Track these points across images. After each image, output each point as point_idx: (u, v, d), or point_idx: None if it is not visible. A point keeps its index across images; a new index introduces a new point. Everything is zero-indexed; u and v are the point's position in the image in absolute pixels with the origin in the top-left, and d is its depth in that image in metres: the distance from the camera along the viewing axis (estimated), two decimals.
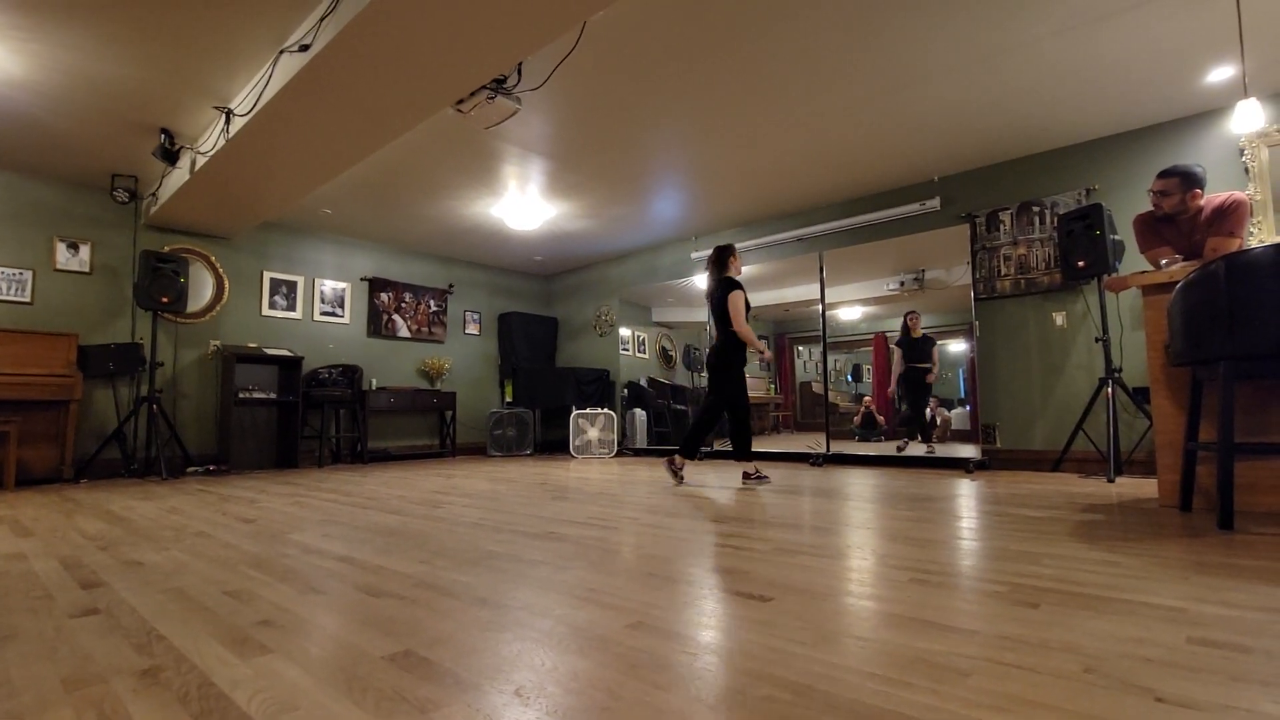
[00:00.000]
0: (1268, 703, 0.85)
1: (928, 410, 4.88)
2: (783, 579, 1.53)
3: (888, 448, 5.01)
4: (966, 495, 3.02)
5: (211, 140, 3.83)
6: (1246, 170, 3.70)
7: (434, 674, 0.99)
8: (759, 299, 5.78)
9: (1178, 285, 2.28)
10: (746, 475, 3.61)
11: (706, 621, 1.23)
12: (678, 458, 3.69)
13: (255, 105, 3.28)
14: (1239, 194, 2.63)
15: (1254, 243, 3.48)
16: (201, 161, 3.97)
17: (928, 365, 4.78)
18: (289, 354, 5.51)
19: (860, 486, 3.44)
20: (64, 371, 4.35)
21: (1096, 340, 3.90)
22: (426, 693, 0.92)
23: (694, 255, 6.44)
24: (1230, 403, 2.06)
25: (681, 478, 3.71)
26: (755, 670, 0.99)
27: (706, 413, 3.68)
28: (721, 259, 3.78)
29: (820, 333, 5.29)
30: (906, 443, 4.85)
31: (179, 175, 4.33)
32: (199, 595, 1.48)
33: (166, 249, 5.12)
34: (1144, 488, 3.21)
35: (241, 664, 1.05)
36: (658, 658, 1.05)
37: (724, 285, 3.68)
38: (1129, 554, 1.73)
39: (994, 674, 0.95)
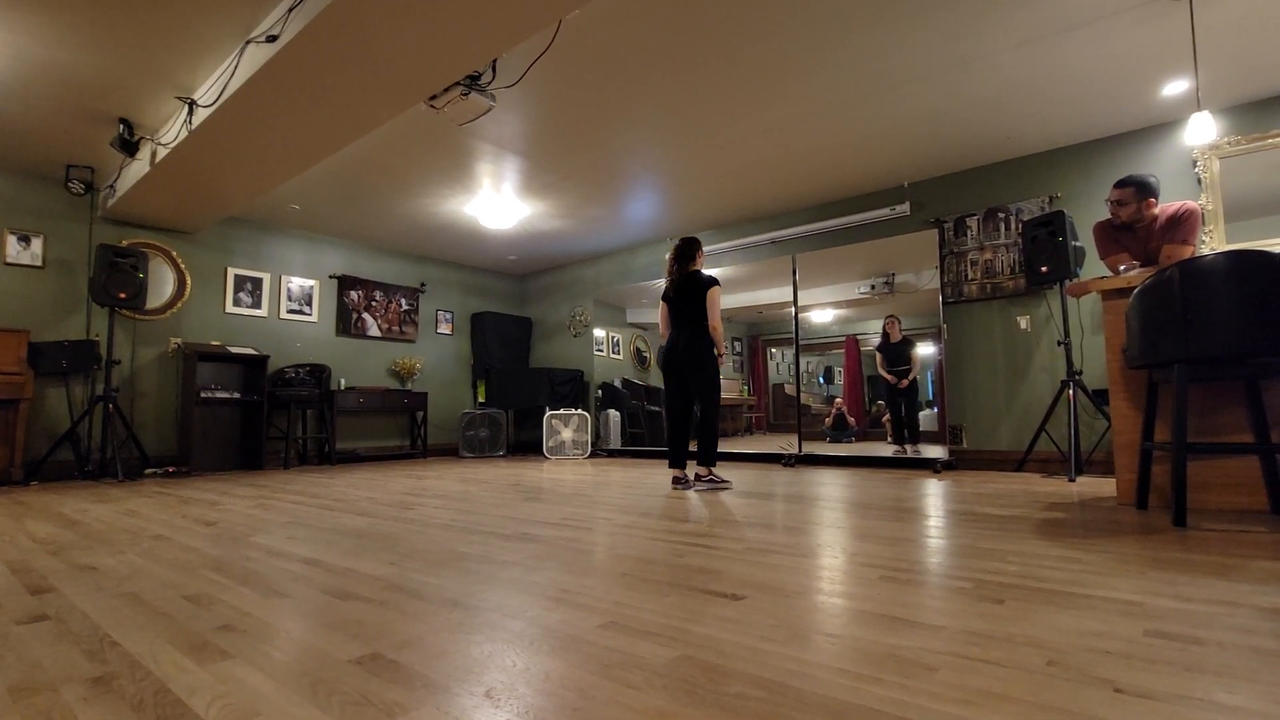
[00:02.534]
0: (1220, 692, 0.87)
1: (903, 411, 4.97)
2: (755, 578, 1.54)
3: (858, 449, 5.08)
4: (934, 495, 3.08)
5: (173, 131, 3.72)
6: (1199, 181, 3.85)
7: (402, 677, 0.97)
8: (732, 301, 5.81)
9: (1135, 290, 2.36)
10: (699, 477, 3.44)
11: (679, 621, 1.23)
12: (698, 469, 3.47)
13: (220, 97, 3.19)
14: (1191, 203, 2.73)
15: (1206, 250, 3.62)
16: (163, 153, 3.84)
17: (907, 368, 4.87)
18: (254, 353, 5.37)
19: (831, 487, 3.48)
20: (14, 369, 4.17)
21: (1058, 343, 4.01)
22: (394, 696, 0.90)
23: (668, 257, 6.44)
24: (1184, 404, 2.14)
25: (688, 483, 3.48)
26: (728, 668, 0.99)
27: (710, 419, 3.47)
28: (691, 251, 3.59)
29: (793, 335, 5.35)
30: (905, 448, 4.85)
31: (138, 167, 4.19)
32: (156, 600, 1.43)
33: (124, 243, 4.94)
34: (1103, 487, 3.31)
35: (200, 670, 1.01)
36: (630, 657, 1.04)
37: (705, 280, 3.49)
38: (1089, 551, 1.78)
39: (961, 668, 0.97)
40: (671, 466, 3.55)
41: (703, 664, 1.01)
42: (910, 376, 4.86)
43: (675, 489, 3.45)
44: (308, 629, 1.21)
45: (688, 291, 3.52)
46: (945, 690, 0.89)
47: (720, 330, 3.49)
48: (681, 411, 3.58)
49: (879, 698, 0.87)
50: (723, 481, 3.47)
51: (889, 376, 4.95)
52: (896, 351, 4.94)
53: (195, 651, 1.10)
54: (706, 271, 3.63)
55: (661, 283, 6.29)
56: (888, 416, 5.08)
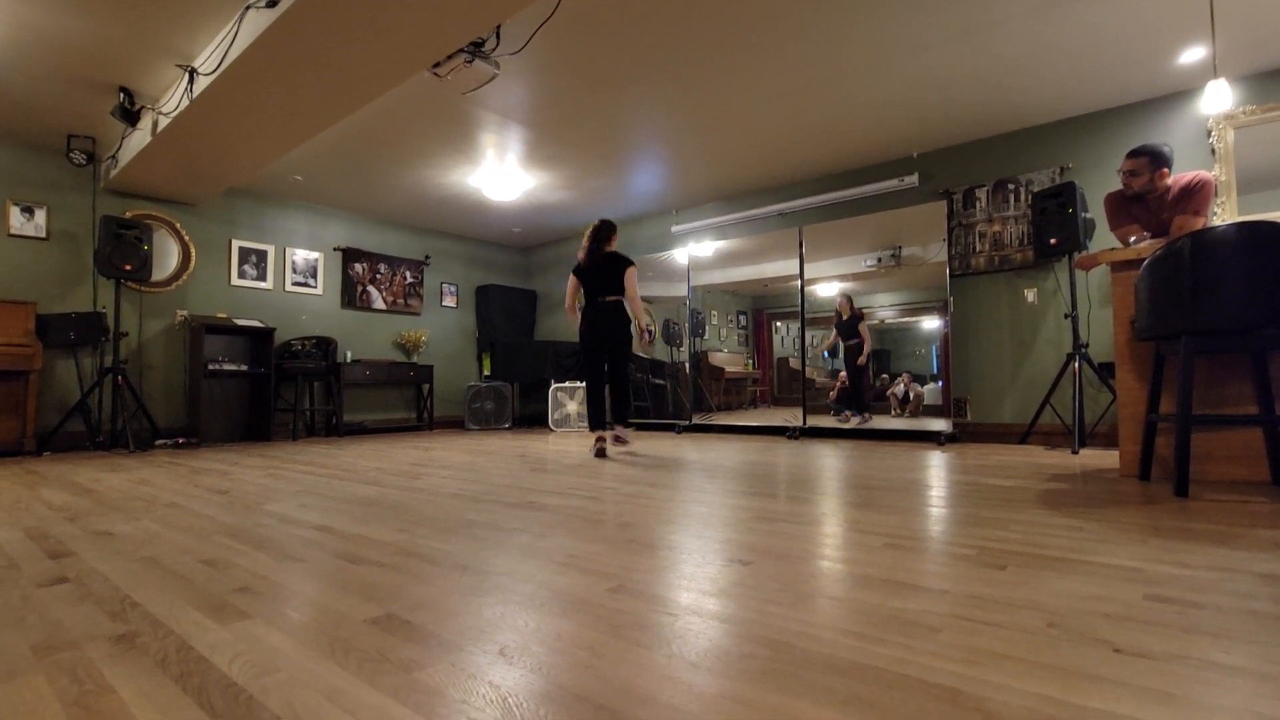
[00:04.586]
0: (1217, 652, 0.89)
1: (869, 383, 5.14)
2: (761, 545, 1.56)
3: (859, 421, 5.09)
4: (937, 466, 3.10)
5: (174, 100, 3.68)
6: (1213, 151, 3.79)
7: (417, 636, 1.00)
8: (738, 274, 5.78)
9: (1145, 262, 2.34)
10: (619, 438, 3.83)
11: (687, 585, 1.25)
12: (609, 432, 3.84)
13: (220, 64, 3.14)
14: (1205, 174, 2.69)
15: (1218, 222, 3.57)
16: (164, 123, 3.81)
17: (857, 340, 5.10)
18: (260, 325, 5.39)
19: (835, 458, 3.51)
20: (22, 341, 4.20)
21: (1065, 316, 3.99)
22: (410, 654, 0.93)
23: (674, 229, 6.41)
24: (1190, 376, 2.14)
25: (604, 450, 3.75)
26: (735, 630, 1.01)
27: (626, 380, 3.90)
28: (607, 233, 3.86)
29: (798, 309, 5.33)
30: (847, 415, 5.09)
31: (140, 137, 4.15)
32: (173, 564, 1.46)
33: (128, 214, 4.93)
34: (1106, 459, 3.32)
35: (220, 629, 1.04)
36: (639, 619, 1.06)
37: (623, 260, 3.82)
38: (1091, 519, 1.80)
39: (963, 630, 0.99)
40: (595, 429, 3.84)
41: (710, 625, 1.03)
42: (864, 351, 5.09)
43: (598, 457, 3.67)
44: (323, 591, 1.24)
45: (606, 268, 3.80)
46: (948, 650, 0.91)
47: (640, 305, 3.86)
48: (603, 380, 3.91)
49: (883, 656, 0.90)
50: (623, 439, 3.85)
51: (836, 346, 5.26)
52: (848, 326, 5.17)
53: (215, 612, 1.13)
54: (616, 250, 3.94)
55: (665, 255, 6.29)
56: (891, 390, 5.08)
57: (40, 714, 0.77)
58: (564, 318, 7.52)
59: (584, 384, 6.40)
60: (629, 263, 3.83)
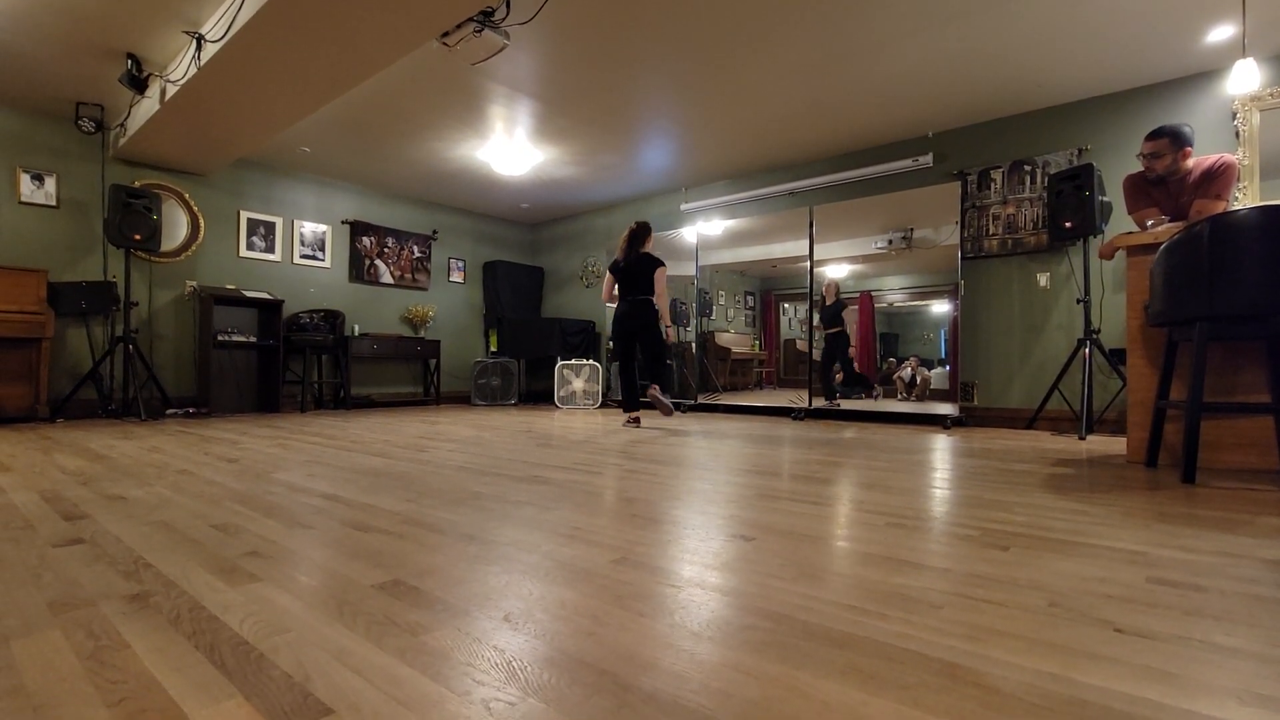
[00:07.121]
0: (1219, 634, 0.90)
1: (845, 366, 5.27)
2: (764, 521, 1.57)
3: (868, 404, 5.09)
4: (942, 449, 3.10)
5: (182, 68, 3.65)
6: (1237, 134, 3.70)
7: (423, 601, 1.01)
8: (747, 254, 5.74)
9: (1162, 246, 2.30)
10: (658, 401, 4.19)
11: (690, 558, 1.26)
12: (652, 390, 4.21)
13: (228, 31, 3.11)
14: (1229, 156, 2.63)
15: (1238, 206, 3.50)
16: (172, 90, 3.78)
17: (838, 328, 5.22)
18: (269, 297, 5.41)
19: (840, 440, 3.51)
20: (34, 309, 4.23)
21: (1078, 301, 3.94)
22: (417, 618, 0.95)
23: (683, 207, 6.35)
24: (1203, 362, 2.12)
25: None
26: (736, 602, 1.02)
27: (661, 358, 4.27)
28: (644, 235, 4.20)
29: (806, 290, 5.29)
30: (863, 394, 5.16)
31: (148, 105, 4.13)
32: (185, 528, 1.48)
33: (137, 184, 4.93)
34: (1113, 445, 3.31)
35: (231, 590, 1.06)
36: (642, 589, 1.08)
37: (655, 260, 4.16)
38: (1095, 504, 1.80)
39: (965, 607, 1.00)
40: (628, 411, 4.30)
41: (712, 597, 1.04)
42: (850, 341, 5.23)
43: (628, 426, 4.20)
44: (331, 557, 1.26)
45: (639, 269, 4.16)
46: (949, 625, 0.92)
47: (666, 302, 4.20)
48: (633, 367, 4.32)
49: (884, 630, 0.90)
50: (665, 404, 4.16)
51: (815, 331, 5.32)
52: (831, 313, 5.23)
53: (225, 574, 1.15)
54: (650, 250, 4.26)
55: (673, 234, 6.24)
56: (898, 374, 5.07)
57: (58, 666, 0.79)
58: (570, 295, 7.52)
59: (590, 363, 6.42)
60: (660, 263, 4.17)
